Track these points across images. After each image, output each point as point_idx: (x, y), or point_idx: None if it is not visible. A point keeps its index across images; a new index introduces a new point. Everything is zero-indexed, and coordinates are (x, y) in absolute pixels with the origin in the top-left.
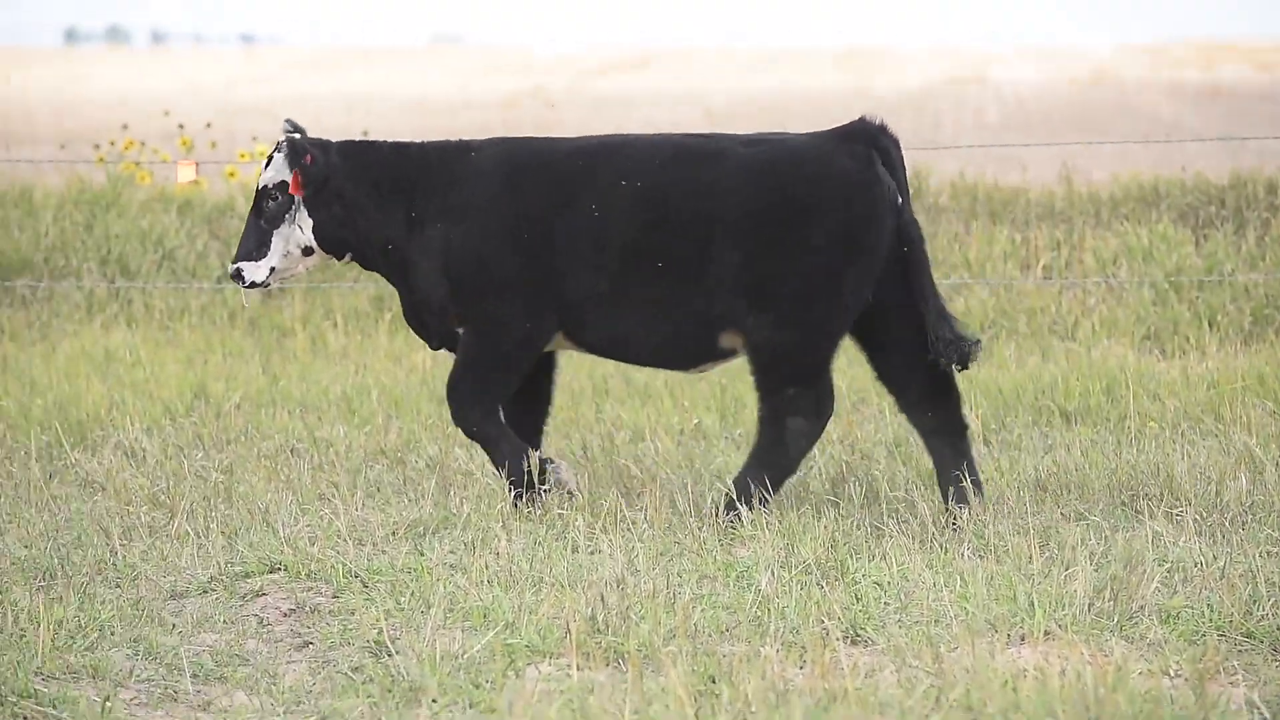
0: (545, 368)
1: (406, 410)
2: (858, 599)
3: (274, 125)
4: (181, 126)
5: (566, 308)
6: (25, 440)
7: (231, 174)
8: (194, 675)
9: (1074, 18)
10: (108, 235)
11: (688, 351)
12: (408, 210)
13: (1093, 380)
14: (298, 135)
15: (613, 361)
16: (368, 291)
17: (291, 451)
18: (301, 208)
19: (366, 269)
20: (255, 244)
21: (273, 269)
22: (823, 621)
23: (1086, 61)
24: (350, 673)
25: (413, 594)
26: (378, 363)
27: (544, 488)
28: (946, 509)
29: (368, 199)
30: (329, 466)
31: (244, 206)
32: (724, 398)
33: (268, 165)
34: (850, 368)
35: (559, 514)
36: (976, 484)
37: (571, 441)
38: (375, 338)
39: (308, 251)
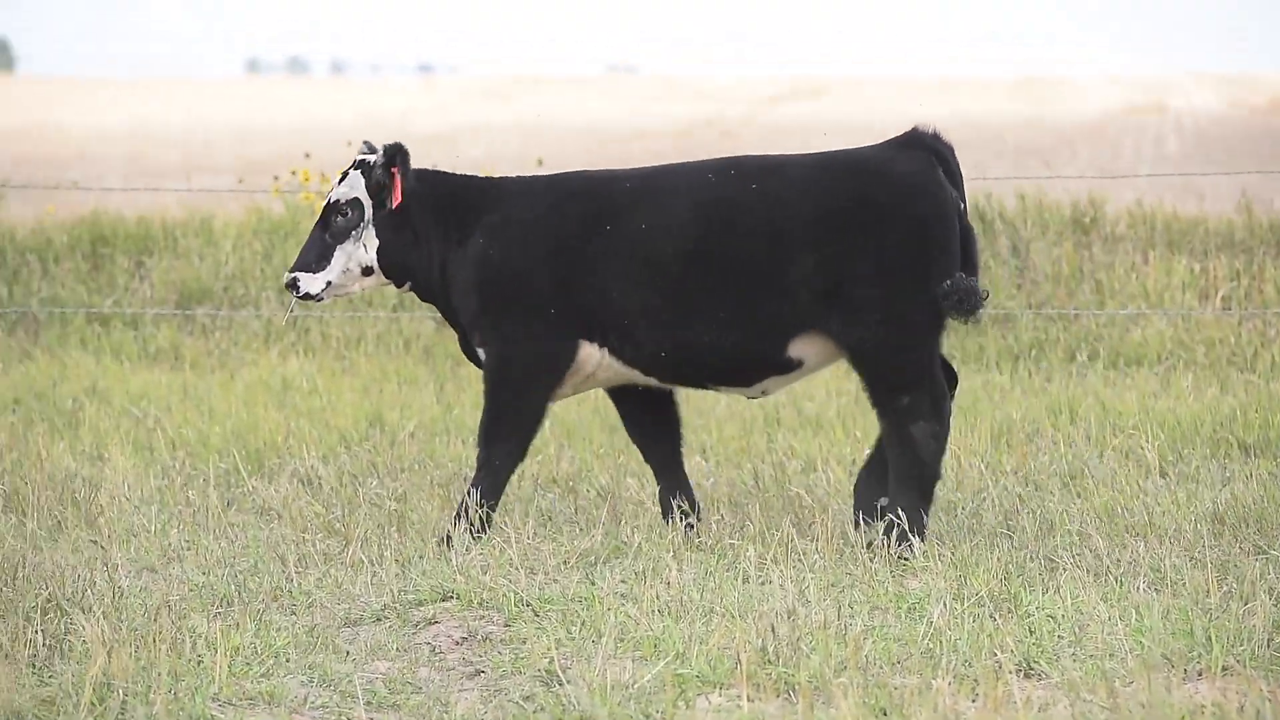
0: (667, 394)
1: (578, 439)
2: (1031, 632)
3: (451, 154)
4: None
5: (612, 325)
6: (204, 467)
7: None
8: (367, 702)
9: (1252, 45)
10: (286, 264)
11: (753, 363)
12: (460, 238)
13: (1273, 412)
14: (373, 155)
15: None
16: None
17: (465, 479)
18: (370, 227)
19: (424, 300)
20: (316, 256)
21: (329, 283)
22: (995, 655)
23: (1265, 89)
24: (521, 701)
25: (584, 623)
26: None
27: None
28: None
29: (435, 227)
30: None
31: None
32: None
33: (341, 180)
34: (1025, 398)
35: (730, 544)
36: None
37: (743, 471)
38: None
39: (367, 271)
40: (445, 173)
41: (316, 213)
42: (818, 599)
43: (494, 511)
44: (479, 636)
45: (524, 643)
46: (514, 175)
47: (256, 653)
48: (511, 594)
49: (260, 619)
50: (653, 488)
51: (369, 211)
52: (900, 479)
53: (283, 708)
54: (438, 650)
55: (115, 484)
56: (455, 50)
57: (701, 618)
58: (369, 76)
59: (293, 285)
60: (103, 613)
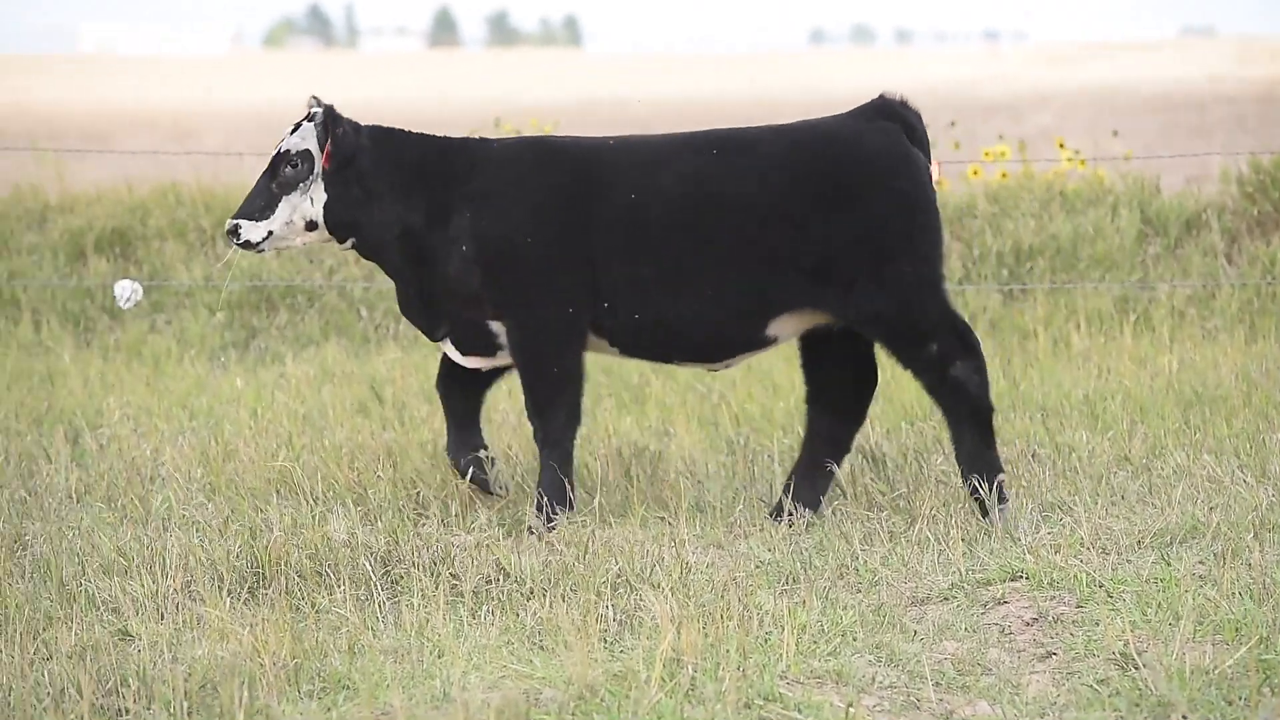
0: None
1: (1152, 416)
2: None
3: (1017, 124)
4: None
5: (599, 299)
6: (768, 443)
7: (975, 173)
8: (936, 683)
9: None
10: None
11: (733, 341)
12: (429, 200)
13: None
14: (322, 108)
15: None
16: (1112, 292)
17: (1032, 456)
18: (319, 181)
19: (365, 258)
20: (261, 205)
21: (270, 233)
22: None
23: None
24: (1095, 685)
25: (1159, 605)
26: (1122, 366)
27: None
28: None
29: (391, 189)
30: (1070, 473)
31: (985, 207)
32: None
33: (294, 131)
34: None
35: None
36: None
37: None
38: (1120, 340)
39: (311, 226)
40: (403, 131)
41: None
42: None
43: (572, 481)
44: (1050, 617)
45: (1097, 625)
46: (476, 137)
47: (823, 630)
48: (1083, 574)
49: (826, 596)
50: (1234, 467)
51: (319, 165)
52: (958, 424)
53: (850, 687)
54: (1007, 631)
55: (681, 459)
56: (1023, 16)
57: None
58: (934, 45)
59: (234, 232)
60: (671, 589)
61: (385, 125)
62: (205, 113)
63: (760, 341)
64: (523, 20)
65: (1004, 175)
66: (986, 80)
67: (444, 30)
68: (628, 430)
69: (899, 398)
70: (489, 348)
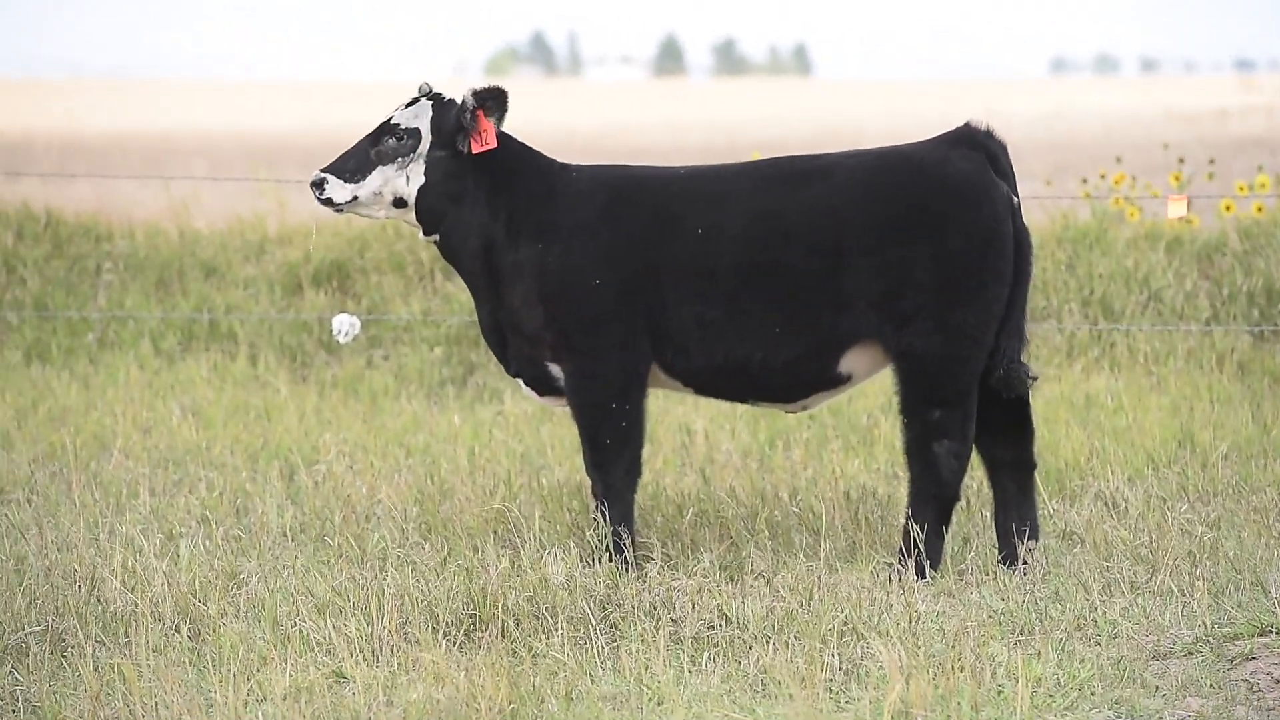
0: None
1: None
2: None
3: (1275, 157)
4: (1181, 160)
5: (666, 337)
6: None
7: (1228, 208)
8: None
9: None
10: (1090, 274)
11: (805, 379)
12: (510, 216)
13: None
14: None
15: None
16: None
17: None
18: (421, 161)
19: (446, 260)
20: (354, 167)
21: (355, 198)
22: None
23: None
24: None
25: None
26: None
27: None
28: (1002, 548)
29: (486, 198)
30: None
31: (1237, 244)
32: None
33: (409, 105)
34: None
35: None
36: (1034, 524)
37: None
38: None
39: (399, 203)
40: (515, 140)
41: (1126, 219)
42: None
43: (634, 538)
44: None
45: None
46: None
47: (1059, 684)
48: None
49: (1063, 649)
50: None
51: (425, 145)
52: (919, 498)
53: None
54: (1256, 689)
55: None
56: (1276, 45)
57: None
58: (1181, 74)
59: (319, 185)
60: (899, 638)
61: (503, 131)
62: None
63: (834, 380)
64: (751, 49)
65: (1259, 209)
66: (1240, 112)
67: (670, 59)
68: (855, 472)
69: (1142, 443)
70: (557, 390)
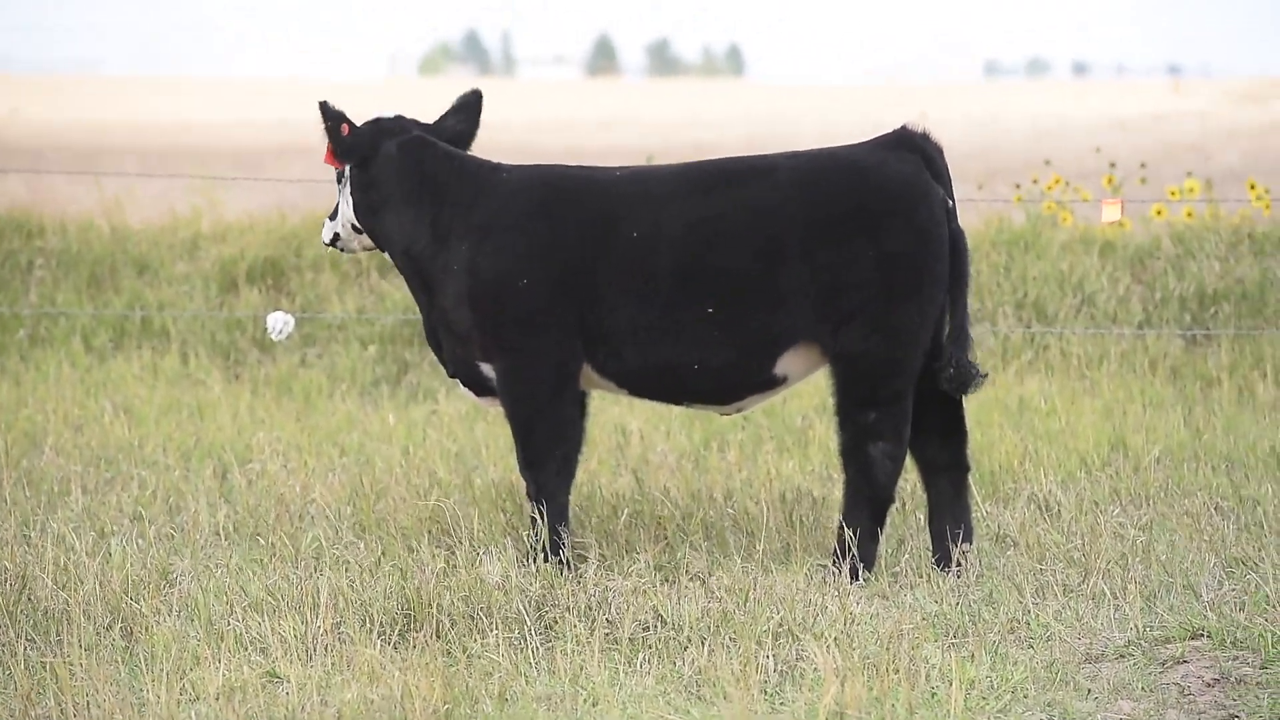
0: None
1: None
2: None
3: (1204, 162)
4: (1113, 165)
5: (600, 339)
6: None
7: (1158, 213)
8: None
9: None
10: (1025, 277)
11: (740, 380)
12: (434, 221)
13: None
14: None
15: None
16: None
17: (1215, 509)
18: (347, 184)
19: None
20: (335, 207)
21: (336, 235)
22: None
23: None
24: None
25: None
26: None
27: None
28: (936, 550)
29: (404, 201)
30: (1255, 528)
31: (1170, 249)
32: None
33: None
34: None
35: None
36: (968, 527)
37: None
38: None
39: (358, 229)
40: (438, 145)
41: (1059, 224)
42: None
43: (568, 538)
44: (1233, 679)
45: None
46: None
47: (993, 686)
48: (1269, 634)
49: (996, 651)
50: None
51: (347, 168)
52: (854, 500)
53: None
54: (1187, 692)
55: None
56: (1208, 50)
57: None
58: (1113, 78)
59: (325, 227)
60: (834, 639)
61: (429, 138)
62: None
63: (770, 381)
64: (685, 49)
65: (1189, 215)
66: (1170, 116)
67: (603, 59)
68: (790, 474)
69: (1075, 446)
70: (493, 390)
